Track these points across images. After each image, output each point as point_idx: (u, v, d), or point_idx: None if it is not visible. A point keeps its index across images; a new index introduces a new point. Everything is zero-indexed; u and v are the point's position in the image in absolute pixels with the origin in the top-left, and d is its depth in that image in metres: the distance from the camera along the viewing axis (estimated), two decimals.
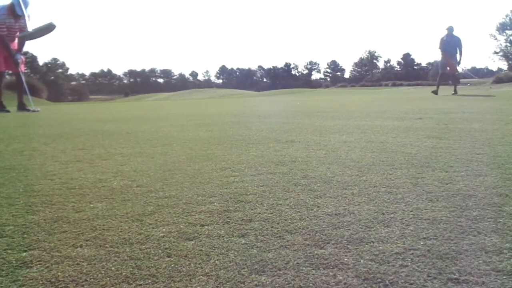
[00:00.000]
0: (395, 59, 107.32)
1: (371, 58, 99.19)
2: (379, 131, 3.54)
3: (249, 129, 4.05)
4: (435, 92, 12.68)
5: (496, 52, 58.93)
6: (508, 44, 57.66)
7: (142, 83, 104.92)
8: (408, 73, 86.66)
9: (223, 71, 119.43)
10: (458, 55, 12.60)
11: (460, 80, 15.22)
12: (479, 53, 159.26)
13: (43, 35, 2.26)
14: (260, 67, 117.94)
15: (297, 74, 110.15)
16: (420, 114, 5.18)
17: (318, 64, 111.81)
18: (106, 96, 76.87)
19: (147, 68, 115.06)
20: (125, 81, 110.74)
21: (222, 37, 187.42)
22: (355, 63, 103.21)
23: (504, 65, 58.87)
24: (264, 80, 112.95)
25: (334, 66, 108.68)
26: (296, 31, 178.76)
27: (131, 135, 3.84)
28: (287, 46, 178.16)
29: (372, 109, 6.75)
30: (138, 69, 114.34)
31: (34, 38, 2.27)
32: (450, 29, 12.60)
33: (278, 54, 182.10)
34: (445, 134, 3.18)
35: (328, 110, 6.70)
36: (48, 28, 2.20)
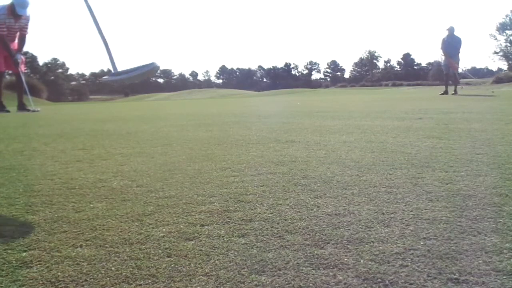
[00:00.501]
0: (395, 59, 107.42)
1: (371, 58, 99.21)
2: (379, 131, 3.54)
3: (249, 129, 4.05)
4: (445, 93, 12.75)
5: (496, 52, 59.01)
6: (508, 44, 57.75)
7: (142, 83, 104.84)
8: (408, 73, 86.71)
9: (223, 71, 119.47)
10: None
11: (460, 80, 15.22)
12: (479, 53, 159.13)
13: (146, 78, 2.11)
14: (260, 67, 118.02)
15: (297, 74, 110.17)
16: (420, 114, 5.18)
17: (318, 64, 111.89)
18: (106, 96, 76.81)
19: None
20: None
21: (222, 37, 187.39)
22: (355, 63, 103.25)
23: (504, 65, 58.99)
24: (264, 80, 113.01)
25: (334, 66, 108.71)
26: (296, 31, 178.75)
27: (131, 135, 3.84)
28: (287, 46, 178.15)
29: (372, 109, 6.76)
30: None
31: (135, 81, 2.13)
32: (451, 30, 12.69)
33: (278, 54, 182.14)
34: (445, 134, 3.18)
35: (328, 110, 6.70)
36: (152, 71, 2.05)
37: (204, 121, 5.28)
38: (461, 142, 2.75)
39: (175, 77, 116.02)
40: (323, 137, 3.25)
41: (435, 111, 5.63)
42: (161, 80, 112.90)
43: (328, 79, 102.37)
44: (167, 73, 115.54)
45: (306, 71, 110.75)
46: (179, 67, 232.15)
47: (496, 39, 58.58)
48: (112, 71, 2.14)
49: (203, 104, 12.97)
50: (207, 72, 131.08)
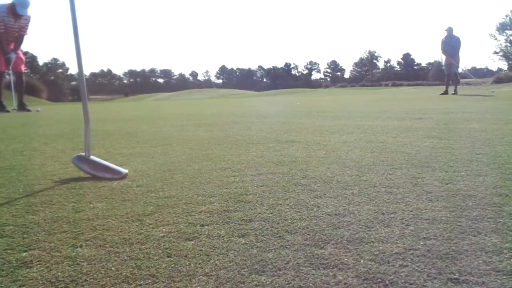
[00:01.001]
0: (395, 59, 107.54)
1: (371, 58, 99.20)
2: (379, 131, 3.54)
3: (249, 129, 4.05)
4: (446, 93, 12.80)
5: (496, 52, 59.16)
6: (508, 44, 57.84)
7: (142, 83, 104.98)
8: (408, 73, 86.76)
9: (223, 71, 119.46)
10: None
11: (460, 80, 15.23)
12: (479, 53, 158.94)
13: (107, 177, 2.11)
14: (260, 67, 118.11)
15: (297, 74, 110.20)
16: (420, 114, 5.18)
17: (318, 64, 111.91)
18: (106, 96, 76.77)
19: (147, 68, 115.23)
20: (125, 81, 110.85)
21: (222, 37, 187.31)
22: (355, 63, 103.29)
23: (504, 65, 59.13)
24: (264, 80, 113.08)
25: (334, 66, 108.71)
26: (296, 31, 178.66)
27: (131, 135, 3.84)
28: (287, 46, 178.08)
29: (372, 109, 6.76)
30: (138, 69, 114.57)
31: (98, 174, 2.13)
32: (449, 30, 12.79)
33: (278, 54, 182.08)
34: (445, 134, 3.18)
35: (328, 110, 6.70)
36: (118, 178, 2.07)
37: (204, 121, 5.28)
38: (461, 142, 2.75)
39: (175, 77, 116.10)
40: (323, 137, 3.25)
41: (435, 111, 5.63)
42: (161, 80, 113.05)
43: (328, 79, 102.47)
44: (167, 73, 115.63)
45: (306, 71, 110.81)
46: (179, 67, 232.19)
47: (496, 39, 58.73)
48: (84, 154, 2.13)
49: (203, 104, 12.97)
50: (207, 72, 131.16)
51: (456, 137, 2.99)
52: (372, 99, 12.27)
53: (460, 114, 4.95)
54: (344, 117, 5.21)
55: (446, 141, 2.84)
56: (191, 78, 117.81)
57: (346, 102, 10.64)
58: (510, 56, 57.94)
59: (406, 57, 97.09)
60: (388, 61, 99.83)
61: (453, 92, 12.77)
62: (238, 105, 10.85)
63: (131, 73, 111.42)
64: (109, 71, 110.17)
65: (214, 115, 6.61)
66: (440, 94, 12.89)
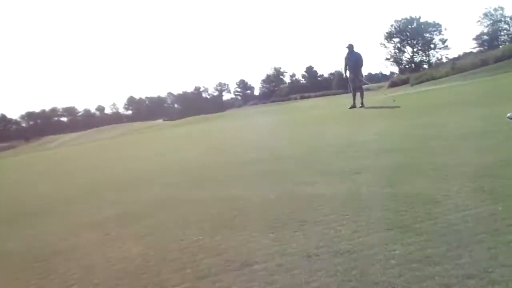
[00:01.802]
0: (300, 72, 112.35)
1: (277, 74, 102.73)
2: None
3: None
4: (353, 106, 13.32)
5: (387, 59, 65.06)
6: (397, 51, 63.98)
7: (43, 124, 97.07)
8: (313, 84, 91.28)
9: (131, 101, 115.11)
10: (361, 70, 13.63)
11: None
12: (373, 60, 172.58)
13: None
14: (169, 93, 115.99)
15: (208, 97, 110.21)
16: (354, 160, 4.80)
17: (228, 85, 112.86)
18: (3, 143, 69.37)
19: (47, 108, 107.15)
20: (23, 125, 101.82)
21: (126, 66, 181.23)
22: (263, 80, 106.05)
23: (395, 69, 65.32)
24: (176, 106, 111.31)
25: (243, 85, 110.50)
26: (202, 53, 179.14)
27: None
28: (194, 69, 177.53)
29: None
30: (37, 110, 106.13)
31: None
32: (350, 47, 13.64)
33: (186, 78, 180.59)
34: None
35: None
36: None
37: (132, 205, 4.42)
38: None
39: (80, 113, 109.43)
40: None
41: (370, 149, 5.26)
42: (64, 119, 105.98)
43: (240, 98, 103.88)
44: (70, 111, 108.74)
45: (216, 93, 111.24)
46: (83, 103, 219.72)
47: (386, 47, 64.67)
48: None
49: (120, 148, 11.79)
50: (114, 104, 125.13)
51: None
52: (273, 123, 12.00)
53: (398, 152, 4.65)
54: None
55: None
56: (97, 112, 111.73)
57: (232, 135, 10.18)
58: (400, 61, 64.11)
59: (309, 69, 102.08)
60: (293, 75, 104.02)
61: (360, 105, 13.31)
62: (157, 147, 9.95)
63: (30, 115, 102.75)
64: (3, 116, 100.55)
65: (138, 178, 5.77)
66: (349, 108, 13.42)
